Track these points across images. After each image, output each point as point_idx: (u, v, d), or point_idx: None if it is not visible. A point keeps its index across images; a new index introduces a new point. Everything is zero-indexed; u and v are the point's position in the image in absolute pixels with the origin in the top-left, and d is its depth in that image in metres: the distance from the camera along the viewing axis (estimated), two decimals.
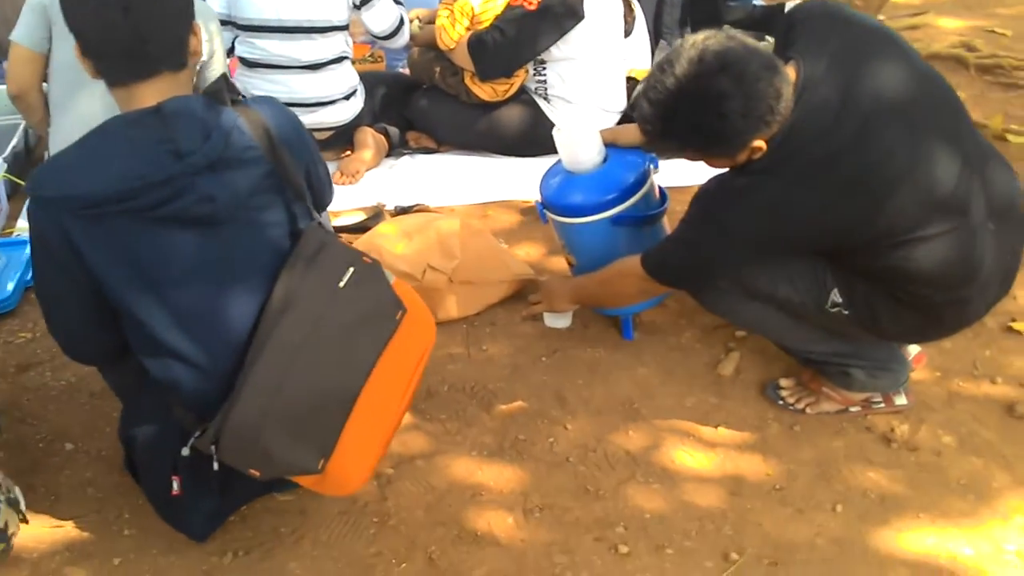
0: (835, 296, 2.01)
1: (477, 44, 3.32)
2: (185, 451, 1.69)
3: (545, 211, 2.42)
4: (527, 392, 2.33)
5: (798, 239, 1.93)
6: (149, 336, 1.67)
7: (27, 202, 1.66)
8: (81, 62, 1.71)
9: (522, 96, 3.47)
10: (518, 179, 3.35)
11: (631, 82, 3.60)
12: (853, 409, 2.24)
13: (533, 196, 3.20)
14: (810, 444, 2.17)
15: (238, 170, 1.64)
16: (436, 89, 3.51)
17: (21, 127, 3.34)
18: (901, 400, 2.25)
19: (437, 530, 1.96)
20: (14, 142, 3.24)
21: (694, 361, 2.45)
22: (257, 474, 1.65)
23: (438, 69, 3.49)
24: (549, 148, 3.43)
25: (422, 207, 3.11)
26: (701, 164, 1.98)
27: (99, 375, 2.32)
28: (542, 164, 3.40)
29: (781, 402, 2.28)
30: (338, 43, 3.31)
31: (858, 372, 2.17)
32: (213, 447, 1.63)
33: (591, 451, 2.16)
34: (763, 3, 4.80)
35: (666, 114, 1.83)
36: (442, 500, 2.03)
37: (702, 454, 2.16)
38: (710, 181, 2.00)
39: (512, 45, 3.31)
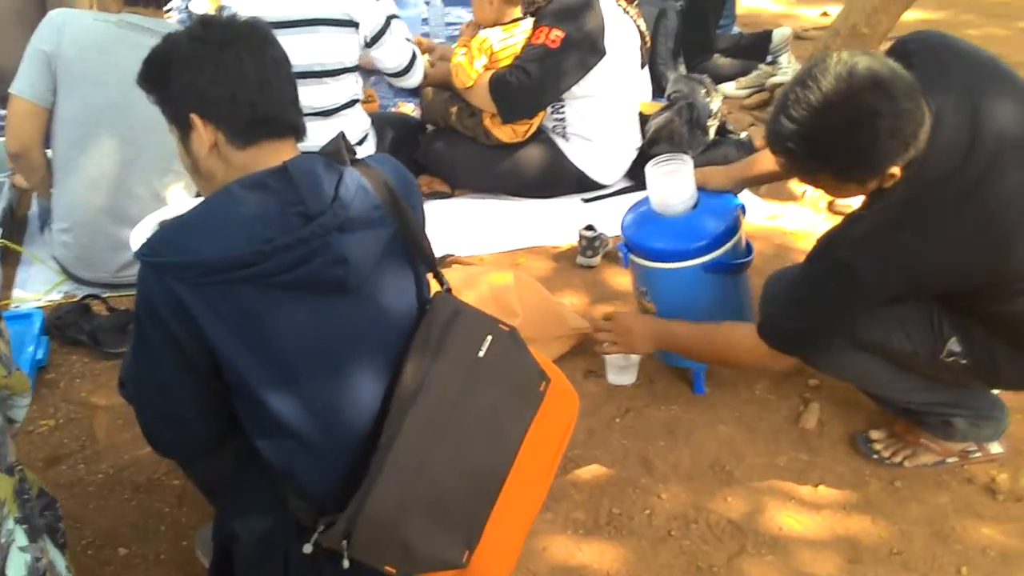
0: (953, 345, 1.93)
1: (500, 85, 3.19)
2: (308, 548, 1.50)
3: (630, 255, 2.28)
4: (609, 458, 2.20)
5: (927, 285, 1.83)
6: (269, 416, 1.48)
7: (138, 270, 1.48)
8: (200, 131, 1.53)
9: (540, 136, 3.35)
10: (544, 222, 3.23)
11: (640, 117, 3.52)
12: (950, 460, 2.16)
13: (563, 240, 3.12)
14: (916, 501, 2.09)
15: (367, 230, 1.49)
16: (451, 131, 3.36)
17: (6, 186, 3.07)
18: (996, 448, 2.18)
19: None
20: (3, 203, 2.98)
21: (773, 415, 2.35)
22: (392, 571, 1.48)
23: (454, 110, 3.34)
24: (569, 188, 3.40)
25: (454, 258, 2.96)
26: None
27: (138, 466, 2.14)
28: (564, 205, 3.34)
29: (876, 456, 2.19)
30: (350, 86, 3.14)
31: (960, 422, 2.09)
32: (344, 542, 1.45)
33: (692, 522, 2.04)
34: (747, 32, 4.79)
35: (811, 132, 1.71)
36: None
37: (808, 518, 2.05)
38: (829, 235, 1.90)
39: (537, 85, 3.18)
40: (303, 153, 1.55)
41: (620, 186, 3.45)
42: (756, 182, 2.36)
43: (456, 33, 4.72)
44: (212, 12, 3.21)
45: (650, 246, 2.22)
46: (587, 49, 3.20)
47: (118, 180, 2.62)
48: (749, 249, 2.31)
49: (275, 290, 1.45)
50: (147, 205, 2.65)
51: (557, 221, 3.23)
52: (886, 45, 4.11)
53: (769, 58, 4.46)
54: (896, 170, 1.72)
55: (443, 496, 1.48)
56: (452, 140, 3.37)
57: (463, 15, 5.04)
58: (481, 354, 1.54)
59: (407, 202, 1.58)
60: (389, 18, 3.12)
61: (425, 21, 4.76)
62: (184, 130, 1.57)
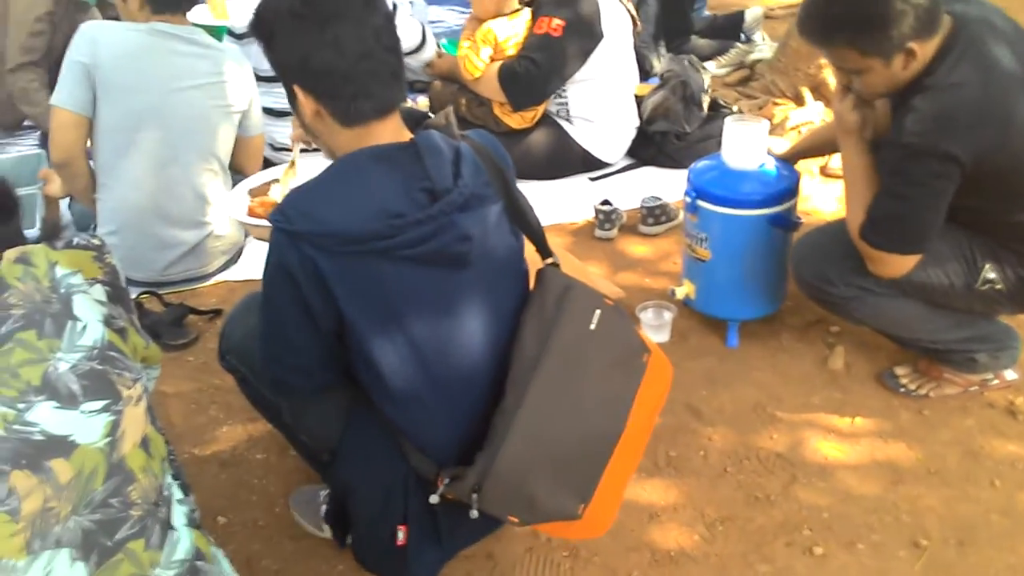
0: (988, 273, 2.11)
1: (509, 75, 3.33)
2: (434, 498, 1.64)
3: (697, 201, 2.45)
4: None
5: (990, 146, 1.96)
6: (391, 377, 1.61)
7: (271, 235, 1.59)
8: (302, 100, 1.63)
9: (546, 120, 3.51)
10: (558, 201, 3.38)
11: (635, 98, 3.68)
12: (972, 389, 2.35)
13: (578, 216, 3.27)
14: (944, 426, 2.27)
15: (483, 207, 1.61)
16: (462, 120, 3.50)
17: (39, 196, 3.14)
18: (1011, 375, 2.37)
19: (631, 556, 1.96)
20: (42, 212, 3.06)
21: (802, 361, 2.52)
22: (516, 521, 1.63)
23: (463, 101, 3.49)
24: (576, 168, 3.55)
25: None
26: None
27: (219, 444, 2.25)
28: (573, 184, 3.49)
29: (903, 390, 2.37)
30: None
31: (982, 356, 2.28)
32: (474, 495, 1.59)
33: (744, 459, 2.20)
34: (719, 13, 4.98)
35: None
36: (622, 526, 2.03)
37: (848, 447, 2.23)
38: (897, 141, 2.01)
39: (545, 73, 3.33)
40: (432, 131, 1.65)
41: (623, 164, 3.62)
42: (802, 156, 2.59)
43: (439, 31, 4.86)
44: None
45: (722, 193, 2.41)
46: (587, 34, 3.36)
47: (160, 181, 2.72)
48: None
49: (403, 262, 1.55)
50: (189, 204, 2.77)
51: (570, 199, 3.39)
52: None
53: (743, 37, 4.66)
54: (915, 47, 1.91)
55: (564, 455, 1.62)
56: (463, 129, 3.50)
57: (444, 15, 5.18)
58: (592, 326, 1.67)
59: (512, 178, 1.71)
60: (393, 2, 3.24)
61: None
62: (291, 94, 1.66)
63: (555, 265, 1.77)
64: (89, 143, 2.76)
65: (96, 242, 1.51)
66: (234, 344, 1.96)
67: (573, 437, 1.63)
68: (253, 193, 2.22)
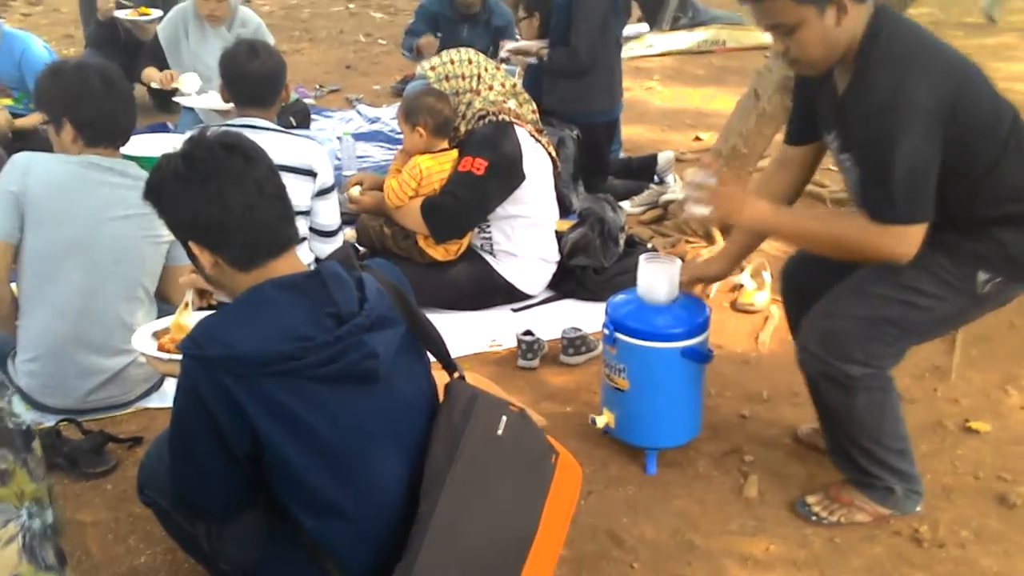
0: (981, 276, 2.22)
1: (432, 208, 3.46)
2: None
3: (615, 334, 2.55)
4: (580, 535, 2.38)
5: (961, 92, 2.08)
6: (309, 494, 1.66)
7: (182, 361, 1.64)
8: (198, 255, 1.73)
9: (470, 253, 3.62)
10: (478, 331, 3.46)
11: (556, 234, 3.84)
12: (878, 520, 2.45)
13: (499, 345, 3.36)
14: (855, 554, 2.35)
15: (388, 329, 1.71)
16: (387, 253, 3.59)
17: None
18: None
19: None
20: None
21: (719, 488, 2.60)
22: None
23: (389, 233, 3.59)
24: (499, 300, 3.65)
25: None
26: None
27: (142, 574, 2.20)
28: (496, 315, 3.58)
29: (815, 518, 2.45)
30: (302, 226, 3.28)
31: (899, 489, 2.40)
32: None
33: None
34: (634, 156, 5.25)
35: None
36: None
37: (764, 575, 2.29)
38: (864, 103, 2.11)
39: (465, 208, 3.47)
40: (332, 261, 1.76)
41: (544, 296, 3.74)
42: (740, 258, 2.71)
43: (366, 165, 5.02)
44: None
45: (639, 327, 2.52)
46: (509, 174, 3.52)
47: (84, 309, 2.72)
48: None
49: (313, 381, 1.64)
50: (113, 331, 2.77)
51: (487, 329, 3.48)
52: (763, 162, 4.65)
53: (656, 178, 4.91)
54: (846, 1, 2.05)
55: (480, 561, 1.66)
56: (388, 261, 3.59)
57: (370, 150, 5.35)
58: (500, 432, 1.75)
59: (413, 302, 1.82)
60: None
61: (337, 157, 5.01)
62: (189, 251, 1.77)
63: (461, 378, 1.85)
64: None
65: None
66: (153, 478, 1.98)
67: (488, 541, 1.68)
68: (158, 335, 2.25)
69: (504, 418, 1.77)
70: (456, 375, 1.88)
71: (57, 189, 2.69)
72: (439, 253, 3.56)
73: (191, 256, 1.79)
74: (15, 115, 4.66)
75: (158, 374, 2.94)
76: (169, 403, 2.84)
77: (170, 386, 2.99)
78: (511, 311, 3.64)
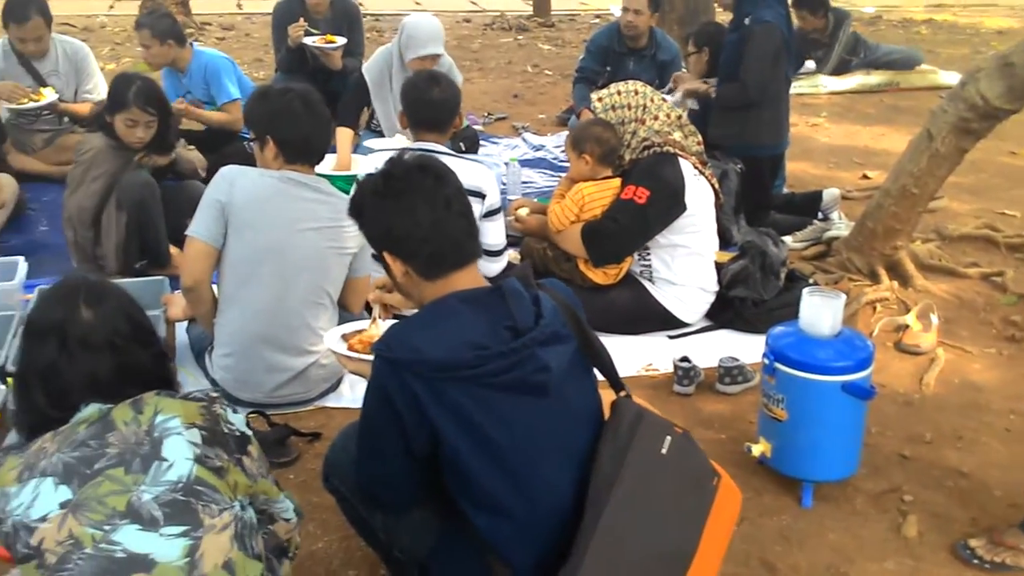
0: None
1: (592, 233, 3.58)
2: None
3: (775, 364, 2.58)
4: (734, 561, 2.41)
5: None
6: (481, 493, 1.79)
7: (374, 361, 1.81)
8: (391, 264, 1.90)
9: (629, 279, 3.71)
10: (634, 355, 3.53)
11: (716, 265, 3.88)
12: None
13: (655, 370, 3.42)
14: None
15: (560, 345, 1.82)
16: (549, 274, 3.72)
17: (161, 320, 3.41)
18: None
19: None
20: (162, 334, 3.30)
21: (875, 525, 2.58)
22: None
23: (551, 255, 3.73)
24: (655, 326, 3.71)
25: None
26: None
27: (319, 559, 2.37)
28: (650, 341, 3.65)
29: (976, 561, 2.40)
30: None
31: None
32: None
33: None
34: (797, 192, 5.21)
35: None
36: None
37: None
38: None
39: (625, 233, 3.57)
40: (513, 278, 1.89)
41: (701, 325, 3.78)
42: None
43: (529, 191, 5.19)
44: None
45: (800, 358, 2.55)
46: (670, 204, 3.59)
47: (275, 311, 2.96)
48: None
49: (489, 389, 1.76)
50: (299, 333, 3.00)
51: (647, 354, 3.54)
52: (935, 203, 4.54)
53: (820, 215, 4.87)
54: None
55: (641, 571, 1.74)
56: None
57: (534, 176, 5.53)
58: (664, 451, 1.83)
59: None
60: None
61: (503, 181, 5.20)
62: (382, 260, 1.94)
63: (628, 397, 1.94)
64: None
65: (213, 395, 1.75)
66: (337, 467, 2.14)
67: (649, 554, 1.75)
68: (346, 338, 2.44)
69: (668, 438, 1.85)
70: (623, 394, 1.96)
71: (258, 200, 2.94)
72: (599, 277, 3.66)
73: (385, 265, 1.96)
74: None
75: (337, 375, 3.18)
76: (345, 403, 3.12)
77: (346, 388, 3.22)
78: (667, 337, 3.69)
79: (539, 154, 6.00)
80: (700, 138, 3.86)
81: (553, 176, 5.56)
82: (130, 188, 3.86)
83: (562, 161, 5.87)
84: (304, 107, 3.00)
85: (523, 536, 1.80)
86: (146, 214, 3.89)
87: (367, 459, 1.91)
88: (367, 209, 1.94)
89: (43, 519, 1.49)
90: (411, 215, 1.86)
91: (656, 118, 3.69)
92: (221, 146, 5.01)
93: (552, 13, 11.25)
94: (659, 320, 3.70)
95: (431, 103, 3.44)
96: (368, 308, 3.27)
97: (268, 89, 3.13)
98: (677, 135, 3.71)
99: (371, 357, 2.17)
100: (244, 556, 1.57)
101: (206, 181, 4.33)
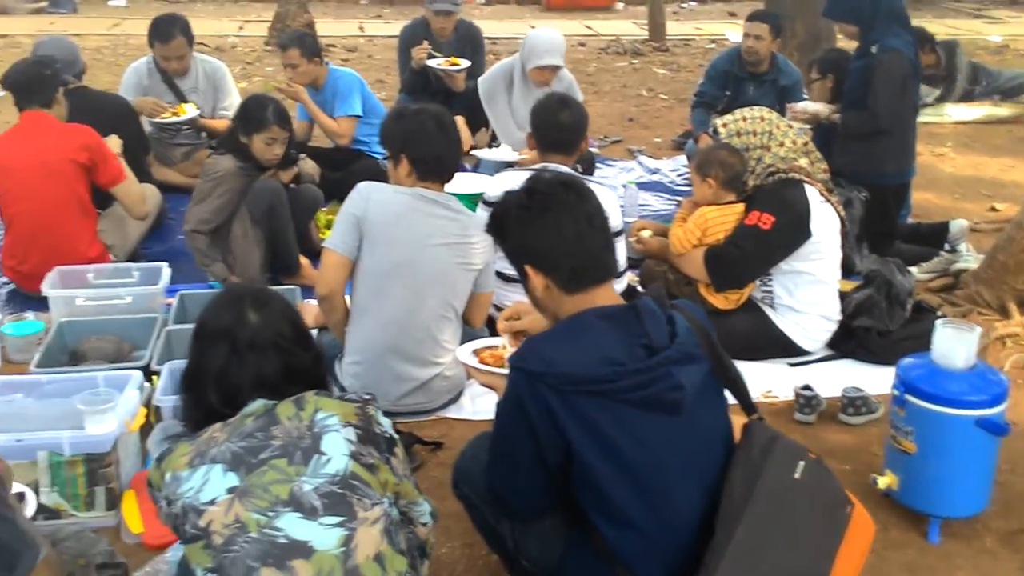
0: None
1: (714, 258, 3.58)
2: None
3: (905, 395, 2.55)
4: None
5: None
6: (611, 505, 1.82)
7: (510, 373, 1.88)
8: (532, 277, 1.95)
9: (750, 304, 3.69)
10: (753, 381, 3.37)
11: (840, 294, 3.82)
12: None
13: (775, 396, 3.39)
14: None
15: (693, 365, 1.85)
16: (670, 296, 3.72)
17: (159, 320, 3.54)
18: None
19: None
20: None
21: (1006, 565, 2.51)
22: None
23: (672, 278, 3.74)
24: (776, 353, 3.68)
25: None
26: None
27: (441, 564, 2.43)
28: (769, 368, 3.62)
29: None
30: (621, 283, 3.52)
31: None
32: None
33: None
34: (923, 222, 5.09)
35: None
36: None
37: None
38: None
39: (748, 259, 3.56)
40: (646, 298, 1.93)
41: (822, 354, 3.73)
42: None
43: (645, 214, 5.20)
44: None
45: (932, 391, 2.51)
46: (795, 230, 3.56)
47: (404, 322, 3.06)
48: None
49: (623, 405, 1.80)
50: (425, 344, 3.09)
51: (767, 381, 3.52)
52: None
53: (947, 246, 4.74)
54: None
55: None
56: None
57: (650, 200, 5.55)
58: (797, 475, 1.83)
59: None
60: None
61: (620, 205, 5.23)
62: (522, 274, 1.99)
63: (760, 419, 1.95)
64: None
65: (366, 397, 1.83)
66: (467, 475, 2.20)
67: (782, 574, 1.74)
68: (477, 352, 2.52)
69: (802, 463, 1.85)
70: (755, 416, 1.98)
71: (392, 215, 3.06)
72: (719, 301, 3.65)
73: (524, 279, 2.01)
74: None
75: (458, 388, 3.26)
76: (465, 415, 3.21)
77: (467, 400, 3.30)
78: (788, 365, 3.66)
79: (655, 177, 6.01)
80: (826, 165, 3.82)
81: (669, 199, 5.58)
82: (260, 195, 4.03)
83: (678, 185, 5.88)
84: (437, 127, 3.10)
85: (652, 550, 1.83)
86: (276, 220, 4.06)
87: (499, 467, 1.96)
88: (511, 223, 1.99)
89: (211, 502, 1.59)
90: (555, 229, 1.91)
91: (782, 144, 3.68)
92: (348, 164, 5.20)
93: (667, 38, 11.24)
94: (779, 347, 3.67)
95: (560, 126, 3.52)
96: (489, 325, 3.38)
97: (404, 109, 3.26)
98: (803, 161, 3.69)
99: (502, 370, 2.25)
100: (392, 550, 1.65)
101: (320, 187, 4.56)
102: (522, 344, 1.93)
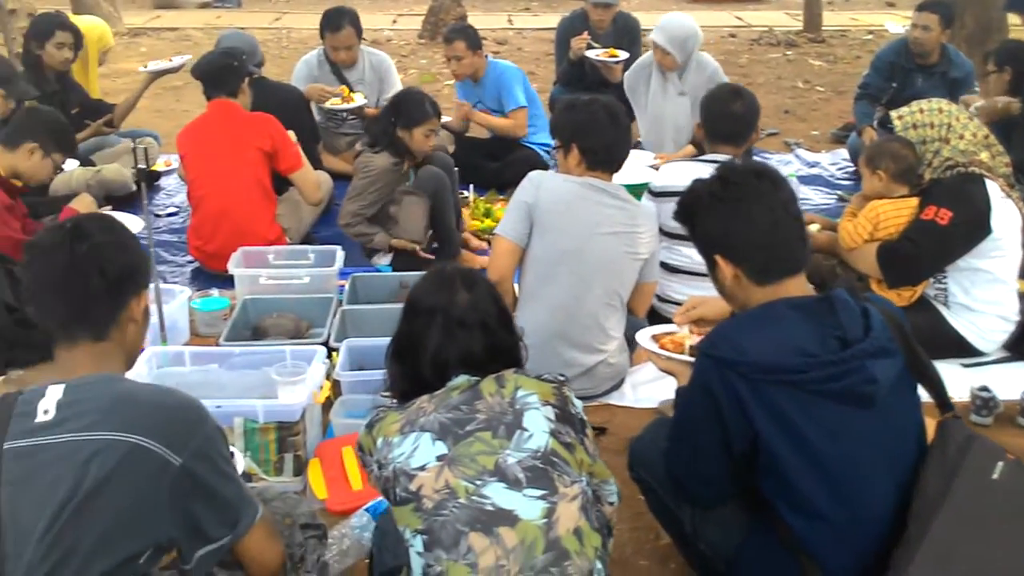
0: None
1: (889, 254, 3.49)
2: None
3: None
4: None
5: None
6: (798, 495, 1.82)
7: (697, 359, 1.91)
8: (722, 266, 1.96)
9: (923, 302, 3.58)
10: None
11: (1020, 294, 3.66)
12: None
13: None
14: None
15: (887, 359, 1.83)
16: None
17: (334, 300, 3.69)
18: None
19: None
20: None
21: None
22: None
23: (841, 274, 3.66)
24: (948, 353, 3.56)
25: None
26: None
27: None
28: (942, 368, 3.43)
29: None
30: None
31: None
32: None
33: None
34: None
35: None
36: None
37: None
38: None
39: (924, 256, 3.46)
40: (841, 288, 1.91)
41: (999, 355, 3.58)
42: None
43: (806, 208, 5.10)
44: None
45: None
46: (974, 227, 3.43)
47: (571, 309, 3.12)
48: None
49: (814, 396, 1.79)
50: (591, 331, 3.14)
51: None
52: None
53: None
54: None
55: None
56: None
57: (809, 193, 5.44)
58: (995, 476, 1.78)
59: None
60: None
61: None
62: (711, 263, 2.00)
63: (957, 418, 1.91)
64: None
65: (561, 378, 1.89)
66: (644, 459, 2.24)
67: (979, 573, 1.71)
68: (657, 338, 2.54)
69: (1000, 464, 1.81)
70: (950, 415, 1.94)
71: (561, 203, 3.12)
72: (891, 298, 3.54)
73: (712, 268, 2.03)
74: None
75: (621, 375, 3.30)
76: (627, 402, 3.24)
77: (628, 388, 3.33)
78: (961, 365, 3.53)
79: (814, 171, 5.88)
80: (1008, 159, 3.67)
81: (830, 194, 5.46)
82: (425, 184, 4.16)
83: (838, 179, 5.74)
84: (609, 117, 3.14)
85: (839, 541, 1.82)
86: (440, 202, 4.18)
87: (682, 453, 1.99)
88: (702, 212, 2.00)
89: (422, 468, 1.68)
90: (749, 220, 1.91)
91: (962, 137, 3.55)
92: (506, 154, 5.30)
93: (823, 29, 10.93)
94: (953, 347, 3.55)
95: (732, 116, 3.50)
96: (651, 315, 3.41)
97: (575, 100, 3.30)
98: (984, 155, 3.55)
99: (683, 356, 2.27)
100: (589, 527, 1.70)
101: (478, 177, 4.64)
102: (712, 331, 1.95)
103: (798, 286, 1.94)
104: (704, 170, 3.26)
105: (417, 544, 1.65)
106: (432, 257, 4.19)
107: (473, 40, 5.28)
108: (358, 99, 5.36)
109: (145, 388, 1.70)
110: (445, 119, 4.91)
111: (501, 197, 5.08)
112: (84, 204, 3.91)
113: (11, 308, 3.46)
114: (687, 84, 5.26)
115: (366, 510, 2.55)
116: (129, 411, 1.61)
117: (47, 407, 1.60)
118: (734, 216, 1.93)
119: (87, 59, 5.70)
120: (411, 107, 4.13)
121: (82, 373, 1.68)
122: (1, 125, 4.38)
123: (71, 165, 4.69)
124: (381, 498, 2.55)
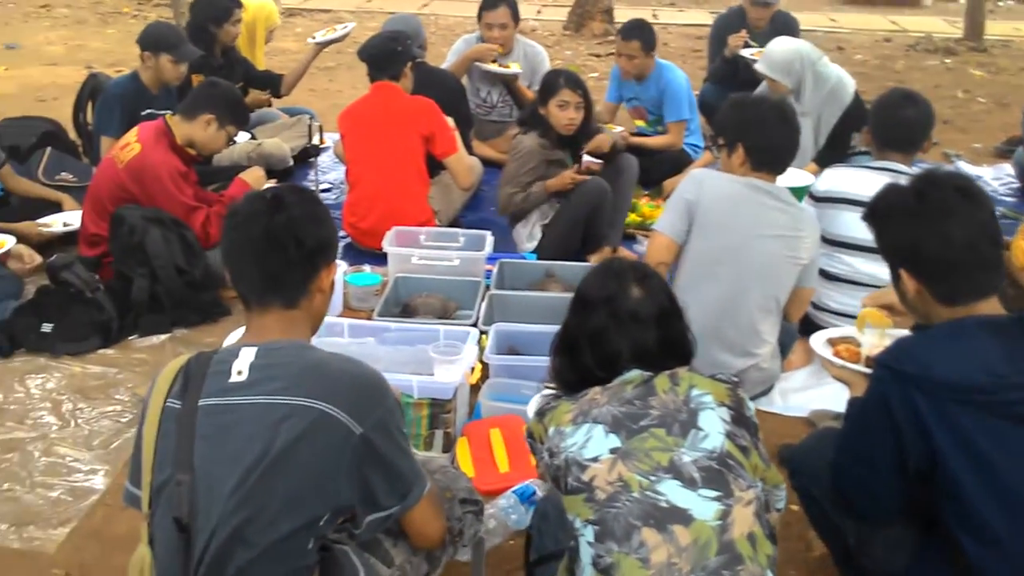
0: None
1: None
2: None
3: None
4: None
5: None
6: (978, 521, 1.75)
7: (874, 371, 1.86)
8: (906, 280, 1.89)
9: None
10: None
11: None
12: None
13: None
14: None
15: None
16: None
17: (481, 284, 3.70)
18: None
19: None
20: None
21: None
22: None
23: (1011, 294, 3.48)
24: None
25: None
26: None
27: None
28: None
29: None
30: None
31: None
32: None
33: None
34: None
35: None
36: None
37: None
38: None
39: None
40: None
41: None
42: None
43: None
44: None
45: None
46: None
47: (726, 310, 3.07)
48: None
49: (1001, 419, 1.71)
50: (745, 334, 3.09)
51: None
52: None
53: None
54: None
55: None
56: None
57: None
58: None
59: None
60: None
61: None
62: (895, 275, 1.93)
63: None
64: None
65: (735, 380, 1.86)
66: (807, 467, 2.19)
67: None
68: (832, 343, 2.48)
69: None
70: None
71: (726, 202, 3.07)
72: None
73: (895, 278, 1.96)
74: (640, 135, 5.37)
75: (771, 381, 3.24)
76: (775, 409, 3.20)
77: (777, 395, 3.28)
78: None
79: None
80: None
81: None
82: (586, 198, 4.13)
83: (1001, 195, 5.47)
84: (779, 117, 3.08)
85: (1016, 571, 1.74)
86: (597, 215, 4.17)
87: (852, 468, 1.93)
88: (894, 222, 1.93)
89: (595, 459, 1.69)
90: (943, 238, 1.82)
91: None
92: (652, 151, 5.26)
93: (984, 37, 10.41)
94: None
95: (904, 122, 3.37)
96: (803, 324, 3.32)
97: (744, 97, 3.26)
98: None
99: (859, 367, 2.21)
100: (763, 533, 1.68)
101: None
102: (894, 343, 1.89)
103: (987, 308, 1.84)
104: (873, 177, 3.18)
105: (588, 534, 1.65)
106: (587, 177, 4.17)
107: (649, 41, 5.24)
108: (514, 68, 5.41)
109: (334, 358, 1.76)
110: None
111: (646, 193, 5.04)
112: (255, 177, 4.06)
113: (180, 270, 3.65)
114: (805, 104, 5.00)
115: (513, 492, 2.58)
116: (318, 379, 1.67)
117: (241, 368, 1.68)
118: (927, 233, 1.84)
119: (255, 37, 5.91)
120: (546, 82, 4.21)
121: (271, 338, 1.75)
122: (177, 92, 4.61)
123: (242, 138, 4.88)
124: (528, 482, 2.60)
